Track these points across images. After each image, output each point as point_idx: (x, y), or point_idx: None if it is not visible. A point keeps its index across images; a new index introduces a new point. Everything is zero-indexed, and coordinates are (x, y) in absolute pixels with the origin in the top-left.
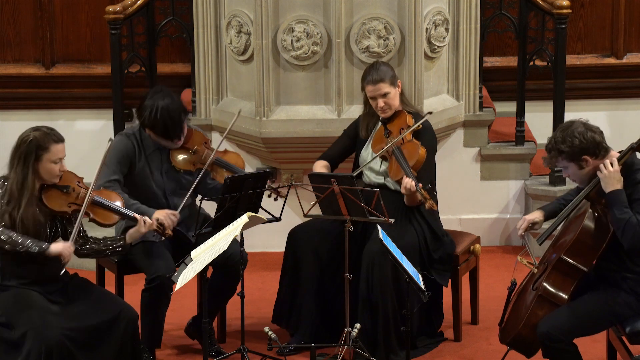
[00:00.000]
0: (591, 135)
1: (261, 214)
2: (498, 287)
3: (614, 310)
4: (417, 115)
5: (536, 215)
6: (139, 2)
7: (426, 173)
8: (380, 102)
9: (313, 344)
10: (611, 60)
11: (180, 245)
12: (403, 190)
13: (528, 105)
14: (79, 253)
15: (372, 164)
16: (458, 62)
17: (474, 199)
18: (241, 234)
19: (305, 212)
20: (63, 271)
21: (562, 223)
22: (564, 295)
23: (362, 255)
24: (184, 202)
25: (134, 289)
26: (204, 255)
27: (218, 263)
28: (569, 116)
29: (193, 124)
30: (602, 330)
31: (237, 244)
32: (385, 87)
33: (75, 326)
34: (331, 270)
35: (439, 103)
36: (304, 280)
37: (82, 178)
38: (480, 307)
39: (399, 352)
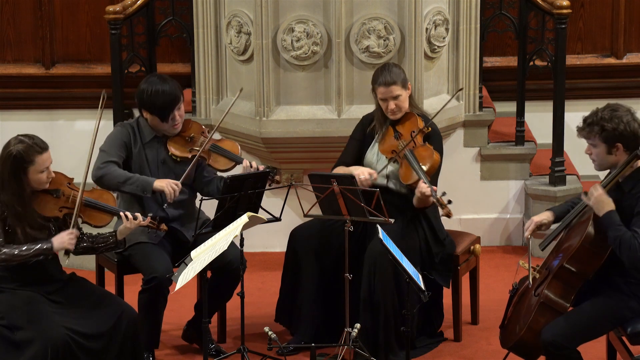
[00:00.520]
0: (635, 127)
1: (261, 214)
2: (498, 287)
3: (617, 315)
4: (424, 118)
5: (544, 216)
6: (139, 2)
7: (437, 176)
8: (392, 105)
9: (313, 344)
10: (611, 60)
11: (178, 245)
12: (418, 194)
13: (528, 105)
14: (74, 251)
15: (376, 165)
16: (458, 62)
17: (474, 199)
18: (241, 234)
19: (305, 212)
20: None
21: (566, 229)
22: (565, 303)
23: (364, 256)
24: (183, 176)
25: (134, 289)
26: (204, 255)
27: (217, 268)
28: (569, 116)
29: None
30: (605, 334)
31: (236, 249)
32: (397, 90)
33: (77, 325)
34: (332, 270)
35: (439, 103)
36: (304, 280)
37: (72, 179)
38: (480, 307)
39: (399, 352)
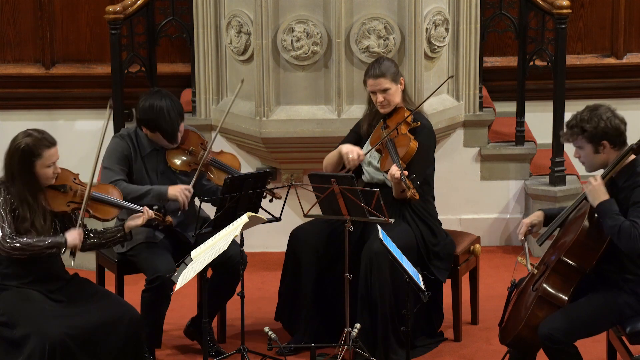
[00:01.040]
0: (617, 123)
1: (261, 214)
2: (498, 287)
3: (615, 311)
4: (417, 114)
5: (535, 217)
6: (139, 2)
7: (417, 167)
8: (380, 97)
9: (313, 344)
10: (611, 60)
11: (180, 246)
12: (389, 177)
13: (528, 105)
14: (81, 248)
15: (372, 159)
16: (458, 62)
17: (474, 199)
18: (241, 234)
19: (305, 212)
20: (74, 261)
21: (562, 224)
22: (564, 297)
23: (361, 255)
24: (193, 179)
25: (134, 289)
26: (204, 255)
27: (218, 264)
28: (569, 116)
29: (193, 124)
30: (603, 331)
31: (237, 246)
32: (385, 83)
33: (78, 324)
34: (332, 270)
35: (439, 103)
36: (304, 280)
37: (78, 174)
38: (480, 307)
39: (398, 351)
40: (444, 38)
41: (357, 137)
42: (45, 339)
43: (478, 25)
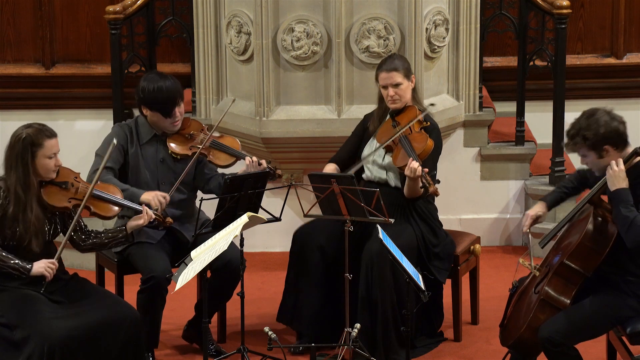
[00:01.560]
0: (615, 125)
1: (261, 214)
2: (498, 287)
3: (616, 313)
4: (426, 115)
5: (538, 208)
6: (139, 2)
7: (430, 165)
8: (391, 92)
9: (313, 344)
10: (611, 60)
11: (177, 245)
12: (407, 172)
13: (528, 105)
14: (82, 248)
15: (375, 157)
16: (458, 62)
17: (474, 199)
18: (241, 234)
19: (305, 212)
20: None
21: (565, 226)
22: (566, 300)
23: (361, 255)
24: (174, 186)
25: (134, 289)
26: (204, 255)
27: (217, 268)
28: (569, 116)
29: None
30: (604, 333)
31: (236, 249)
32: (398, 77)
33: (78, 325)
34: (335, 270)
35: (439, 103)
36: (310, 281)
37: (79, 173)
38: (480, 307)
39: (399, 351)
40: (444, 38)
41: (357, 140)
42: (45, 340)
43: (478, 25)
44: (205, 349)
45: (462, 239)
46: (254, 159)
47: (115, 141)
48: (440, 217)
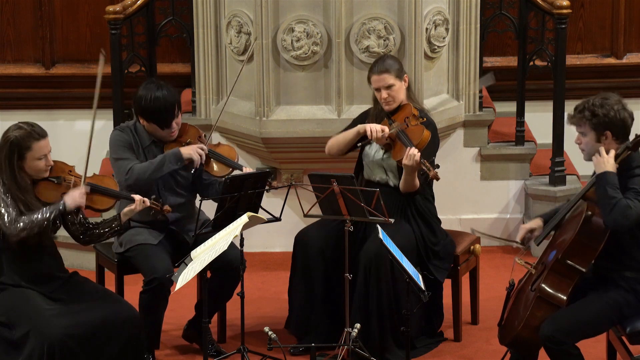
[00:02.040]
0: (625, 116)
1: (261, 214)
2: (498, 287)
3: (615, 309)
4: (422, 112)
5: (534, 223)
6: (139, 2)
7: (428, 153)
8: (384, 94)
9: (313, 344)
10: (611, 60)
11: (178, 246)
12: (405, 160)
13: (528, 105)
14: (81, 241)
15: (375, 157)
16: (458, 62)
17: (474, 199)
18: (241, 234)
19: (305, 212)
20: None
21: (559, 223)
22: (562, 297)
23: (359, 255)
24: (210, 134)
25: (134, 289)
26: (204, 255)
27: (218, 268)
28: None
29: (193, 124)
30: (605, 331)
31: (236, 249)
32: (389, 79)
33: (78, 323)
34: (339, 272)
35: (439, 103)
36: (314, 284)
37: (74, 166)
38: (480, 307)
39: (397, 351)
40: (444, 38)
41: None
42: (45, 339)
43: (478, 25)
44: (205, 349)
45: (462, 239)
46: (249, 170)
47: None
48: (440, 217)
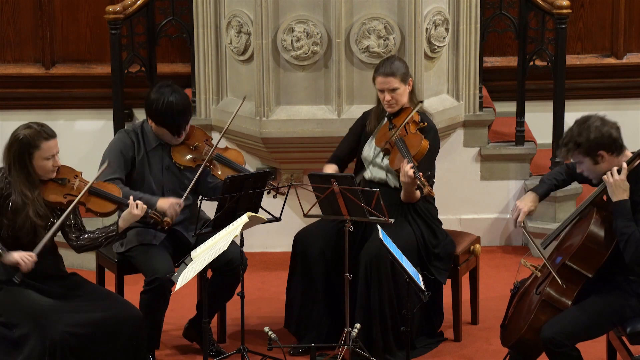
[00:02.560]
0: (607, 130)
1: (261, 214)
2: (498, 287)
3: (618, 313)
4: (423, 115)
5: (530, 202)
6: (139, 2)
7: (426, 166)
8: (387, 96)
9: (313, 344)
10: (611, 60)
11: (179, 246)
12: (402, 177)
13: (528, 105)
14: (75, 246)
15: (374, 159)
16: (458, 62)
17: (474, 199)
18: (241, 234)
19: (305, 212)
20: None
21: (567, 227)
22: (567, 301)
23: (359, 256)
24: (186, 192)
25: (134, 289)
26: (204, 255)
27: (218, 267)
28: (569, 116)
29: (193, 124)
30: (605, 333)
31: (237, 247)
32: (394, 82)
33: (79, 322)
34: (338, 272)
35: (439, 103)
36: (314, 283)
37: (80, 172)
38: (480, 307)
39: (397, 352)
40: (444, 38)
41: (355, 138)
42: (45, 338)
43: (478, 25)
44: (205, 349)
45: (462, 239)
46: None
47: (107, 162)
48: (440, 217)
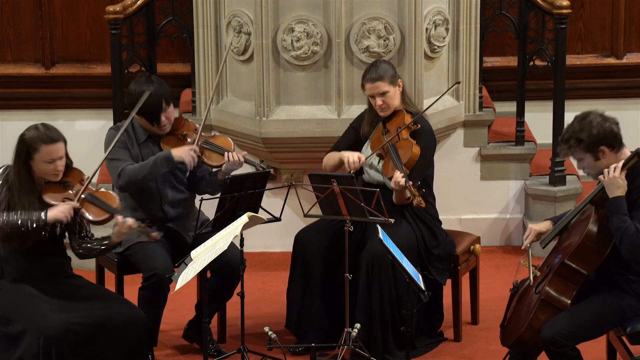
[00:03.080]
0: (609, 126)
1: (261, 214)
2: (498, 287)
3: (618, 313)
4: (415, 115)
5: (544, 226)
6: (139, 2)
7: (418, 172)
8: (379, 101)
9: (313, 344)
10: (611, 60)
11: (177, 246)
12: (392, 185)
13: (528, 105)
14: (76, 252)
15: (373, 161)
16: (458, 62)
17: (474, 199)
18: (241, 234)
19: (305, 212)
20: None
21: (566, 227)
22: (566, 300)
23: (360, 256)
24: (197, 139)
25: (134, 289)
26: (204, 255)
27: (217, 268)
28: (569, 116)
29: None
30: (605, 333)
31: (236, 248)
32: (383, 86)
33: (79, 321)
34: (338, 272)
35: (439, 103)
36: (313, 283)
37: (87, 177)
38: (480, 307)
39: (396, 352)
40: (444, 38)
41: (356, 134)
42: (40, 333)
43: (478, 25)
44: (205, 349)
45: (462, 239)
46: (235, 155)
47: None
48: (440, 217)
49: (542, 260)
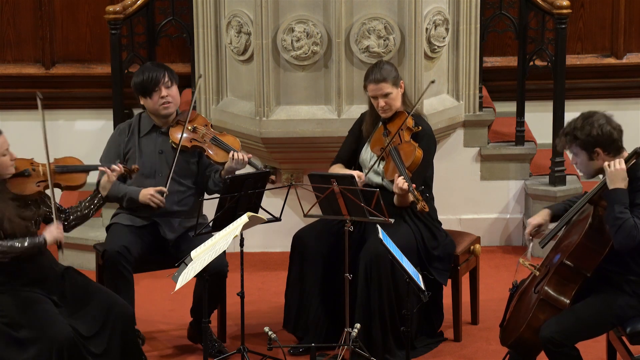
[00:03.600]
0: (609, 130)
1: (261, 214)
2: (498, 287)
3: (617, 313)
4: (417, 117)
5: (541, 217)
6: (139, 2)
7: (420, 174)
8: (381, 102)
9: (313, 344)
10: (611, 60)
11: (157, 242)
12: (395, 189)
13: (528, 105)
14: (66, 228)
15: (371, 165)
16: (458, 62)
17: (474, 199)
18: (241, 234)
19: (305, 212)
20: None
21: (565, 226)
22: (565, 300)
23: (359, 256)
24: (170, 174)
25: (134, 289)
26: (204, 255)
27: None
28: (569, 116)
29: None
30: (604, 333)
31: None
32: (387, 87)
33: (82, 323)
34: (337, 272)
35: (439, 103)
36: (312, 283)
37: (32, 158)
38: (480, 307)
39: (396, 352)
40: (444, 38)
41: (356, 139)
42: (54, 343)
43: (478, 25)
44: (206, 348)
45: (462, 239)
46: (241, 155)
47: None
48: (440, 217)
49: (541, 260)
